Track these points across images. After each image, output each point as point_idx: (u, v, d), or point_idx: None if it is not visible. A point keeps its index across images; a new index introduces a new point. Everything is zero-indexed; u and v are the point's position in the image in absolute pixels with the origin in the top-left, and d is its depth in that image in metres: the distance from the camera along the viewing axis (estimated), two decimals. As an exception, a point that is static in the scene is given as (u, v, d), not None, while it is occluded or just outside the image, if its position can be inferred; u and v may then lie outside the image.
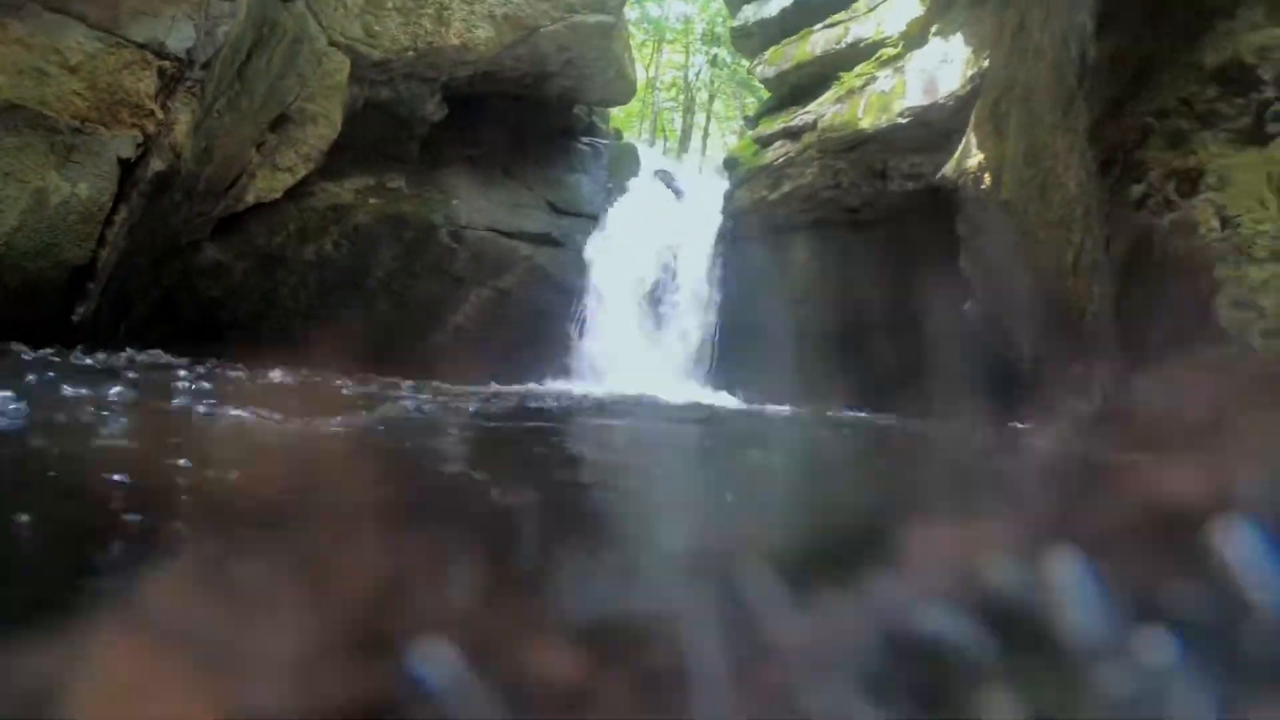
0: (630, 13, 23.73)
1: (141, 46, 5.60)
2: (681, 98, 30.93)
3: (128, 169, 5.71)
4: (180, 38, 5.73)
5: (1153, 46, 5.24)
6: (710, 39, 26.45)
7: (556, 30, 12.12)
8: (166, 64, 5.71)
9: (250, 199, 9.02)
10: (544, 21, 11.98)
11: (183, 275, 8.16)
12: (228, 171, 7.89)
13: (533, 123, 13.48)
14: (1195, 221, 4.74)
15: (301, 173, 9.60)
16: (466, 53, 11.29)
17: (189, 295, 8.95)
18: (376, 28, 10.37)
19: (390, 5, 10.54)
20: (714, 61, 27.72)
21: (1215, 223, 4.62)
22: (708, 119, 30.97)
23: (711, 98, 30.57)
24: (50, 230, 5.48)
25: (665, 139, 31.81)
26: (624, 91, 14.71)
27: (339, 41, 9.77)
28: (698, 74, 29.90)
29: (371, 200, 11.20)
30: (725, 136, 28.97)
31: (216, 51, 6.19)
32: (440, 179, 12.11)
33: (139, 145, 5.69)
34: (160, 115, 5.74)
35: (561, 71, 12.85)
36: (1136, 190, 5.25)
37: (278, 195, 9.50)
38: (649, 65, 29.16)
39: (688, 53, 29.33)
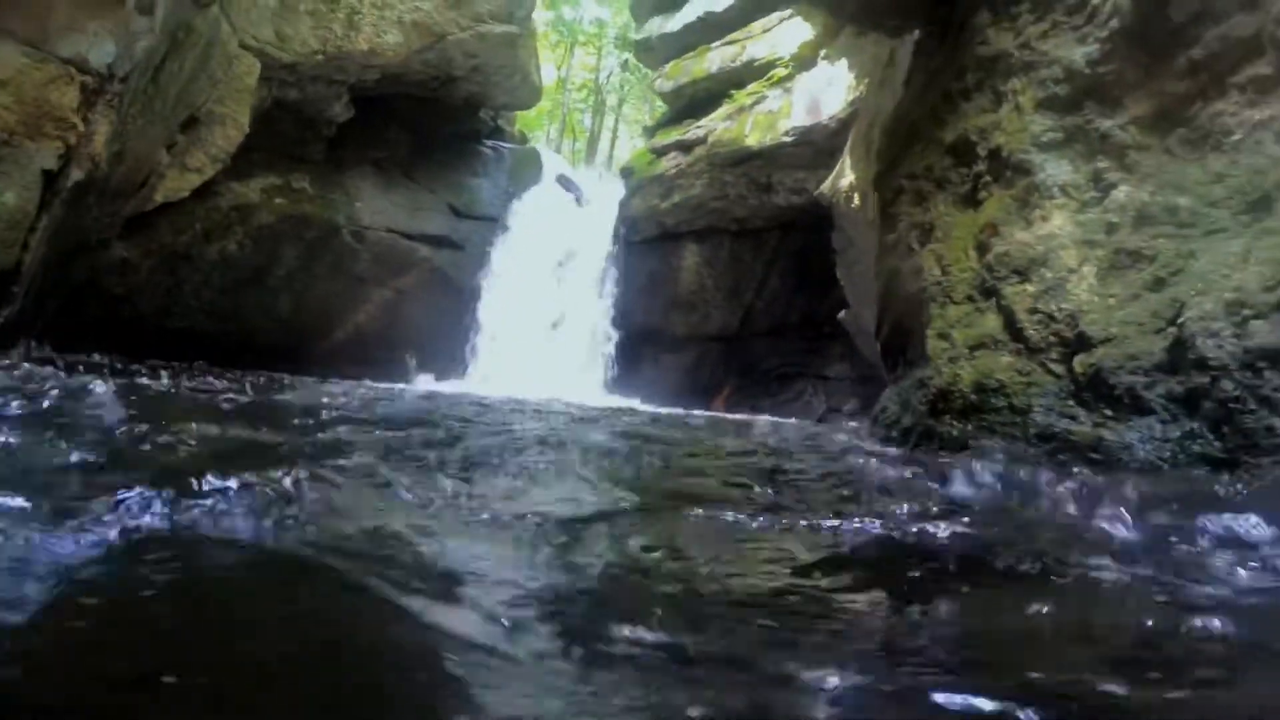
0: (544, 13, 24.01)
1: (66, 62, 5.90)
2: (592, 100, 31.27)
3: (50, 178, 6.03)
4: (102, 53, 6.04)
5: (918, 118, 6.22)
6: (623, 44, 26.79)
7: (464, 38, 12.43)
8: (89, 79, 6.01)
9: (158, 198, 9.22)
10: (452, 30, 12.29)
11: (90, 273, 8.37)
12: (138, 172, 8.13)
13: (438, 126, 13.75)
14: (923, 267, 5.67)
15: (209, 173, 9.82)
16: (375, 57, 11.55)
17: (95, 293, 9.13)
18: (288, 31, 10.59)
19: (302, 9, 10.76)
20: (626, 66, 28.03)
21: (936, 270, 5.54)
22: (616, 122, 31.36)
23: (621, 102, 30.93)
24: None
25: (574, 140, 32.15)
26: (529, 97, 15.05)
27: (250, 45, 9.98)
28: (609, 77, 30.24)
29: (276, 200, 11.43)
30: (634, 139, 28.94)
31: (135, 65, 6.51)
32: (344, 180, 12.37)
33: (60, 156, 6.00)
34: (81, 128, 6.04)
35: (468, 76, 13.12)
36: (890, 238, 6.27)
37: (185, 195, 9.69)
38: (561, 65, 29.44)
39: (600, 55, 29.64)
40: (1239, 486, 3.28)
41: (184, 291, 10.66)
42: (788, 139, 11.99)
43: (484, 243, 13.76)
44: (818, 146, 11.60)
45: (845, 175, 9.73)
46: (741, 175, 12.75)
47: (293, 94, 11.33)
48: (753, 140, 12.42)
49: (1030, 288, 4.71)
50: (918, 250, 5.86)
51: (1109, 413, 4.10)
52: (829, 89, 11.71)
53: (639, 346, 13.96)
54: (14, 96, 5.70)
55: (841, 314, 10.60)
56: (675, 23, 15.26)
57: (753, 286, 13.78)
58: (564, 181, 15.95)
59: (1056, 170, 4.72)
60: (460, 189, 13.86)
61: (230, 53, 9.55)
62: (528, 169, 15.57)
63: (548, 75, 22.13)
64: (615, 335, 13.94)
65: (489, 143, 15.08)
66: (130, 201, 8.44)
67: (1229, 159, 3.93)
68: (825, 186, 10.19)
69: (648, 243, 14.05)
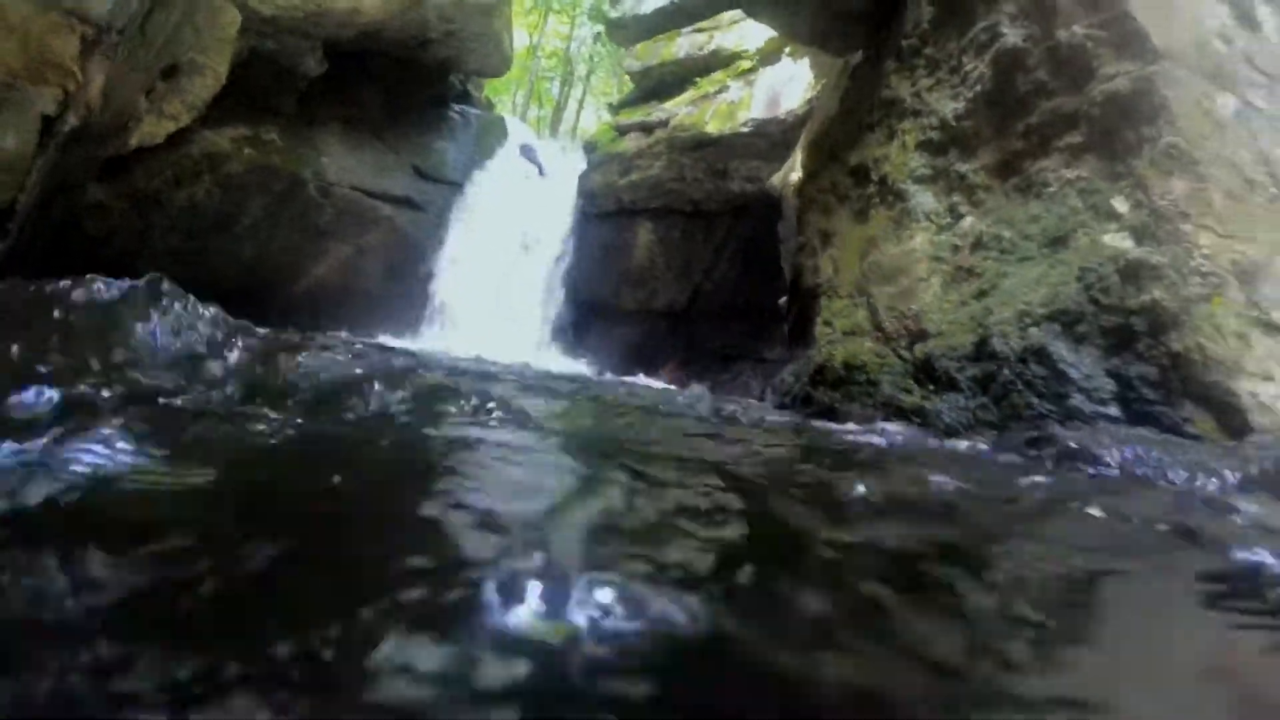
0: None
1: (68, 12, 6.21)
2: (562, 69, 31.43)
3: (48, 123, 6.36)
4: (102, 5, 6.37)
5: (836, 140, 7.37)
6: (597, 15, 26.93)
7: (443, 4, 12.69)
8: (88, 29, 6.32)
9: (134, 143, 9.47)
10: (433, -5, 12.61)
11: (68, 213, 8.66)
12: (120, 118, 8.40)
13: (408, 87, 14.03)
14: (821, 267, 7.03)
15: (185, 121, 10.05)
16: (357, 15, 11.77)
17: (72, 232, 9.41)
18: (270, -16, 10.88)
19: (287, -37, 11.05)
20: (598, 38, 28.18)
21: (830, 270, 6.87)
22: (584, 93, 31.55)
23: (590, 73, 31.11)
24: None
25: (540, 107, 32.33)
26: (499, 65, 15.34)
27: (233, -3, 10.27)
28: (580, 47, 30.38)
29: (246, 150, 11.70)
30: (599, 111, 29.37)
31: (131, 17, 6.84)
32: (313, 135, 12.65)
33: (60, 103, 6.33)
34: (80, 76, 6.36)
35: (442, 41, 13.41)
36: (801, 239, 7.59)
37: (159, 141, 9.98)
38: (534, 32, 29.56)
39: (573, 25, 29.72)
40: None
41: (153, 235, 10.92)
42: (745, 129, 12.49)
43: (446, 206, 14.11)
44: (773, 139, 12.10)
45: (795, 170, 10.25)
46: (699, 160, 13.21)
47: (269, 45, 11.55)
48: (712, 127, 12.89)
49: (891, 290, 5.96)
50: (820, 252, 7.12)
51: (931, 388, 5.31)
52: (789, 85, 12.21)
53: (590, 315, 14.43)
54: (19, 43, 6.03)
55: (782, 300, 11.11)
56: (648, 5, 15.62)
57: (702, 267, 14.25)
58: (527, 151, 16.30)
59: (924, 200, 5.91)
60: (426, 151, 14.17)
61: (215, 4, 9.80)
62: (493, 136, 15.92)
63: (520, 41, 22.33)
64: (568, 303, 14.39)
65: (456, 107, 15.37)
66: (109, 145, 8.74)
67: (1044, 205, 4.99)
68: (776, 178, 10.68)
69: (604, 216, 14.48)
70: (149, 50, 8.34)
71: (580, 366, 12.22)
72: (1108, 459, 3.30)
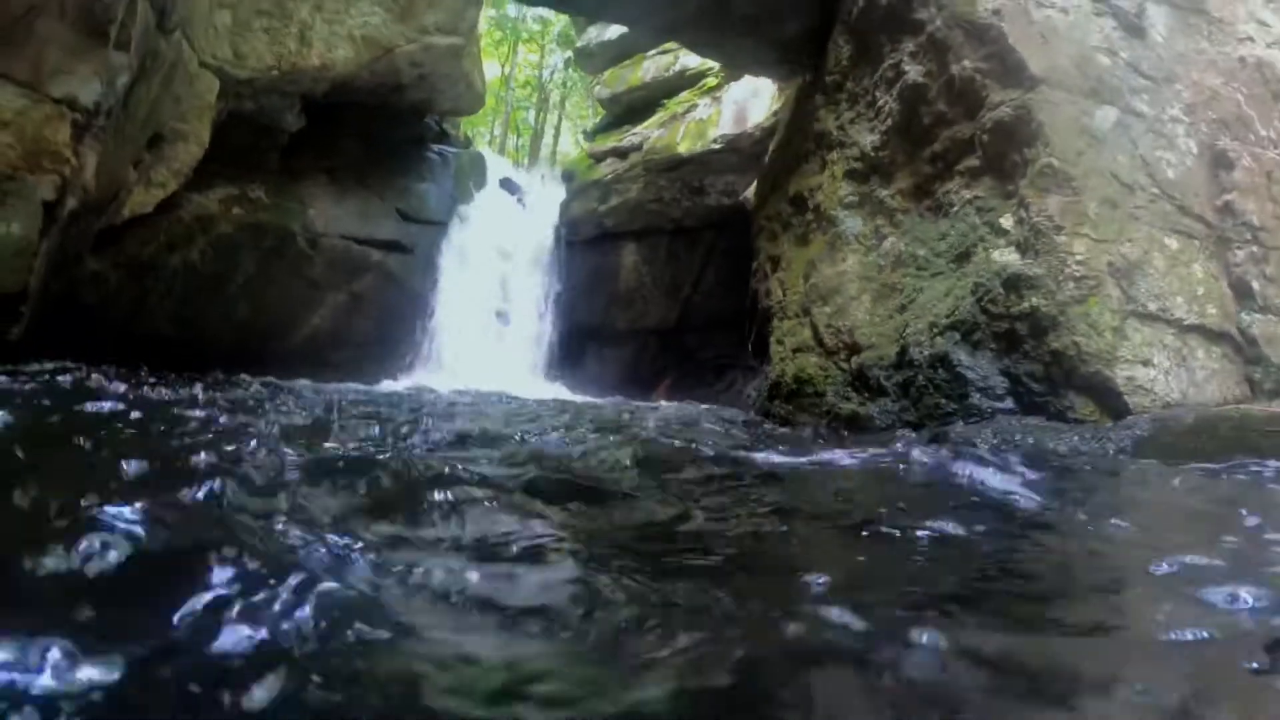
0: (488, 11, 24.45)
1: (59, 101, 6.50)
2: (535, 97, 31.79)
3: (49, 208, 6.66)
4: (90, 91, 6.65)
5: (778, 171, 8.06)
6: (566, 41, 27.19)
7: (411, 50, 12.99)
8: (79, 115, 6.62)
9: (126, 213, 9.77)
10: (399, 42, 12.87)
11: (68, 286, 8.93)
12: (111, 191, 8.69)
13: (385, 132, 14.31)
14: (771, 290, 7.65)
15: (172, 187, 10.35)
16: (327, 70, 12.09)
17: (73, 305, 9.69)
18: (244, 48, 11.14)
19: (256, 26, 11.31)
20: (568, 64, 28.48)
21: (780, 292, 7.44)
22: (560, 119, 31.89)
23: (564, 99, 31.45)
24: None
25: (518, 136, 32.67)
26: (473, 103, 15.62)
27: (209, 63, 10.52)
28: (552, 74, 30.72)
29: (235, 210, 11.97)
30: (577, 135, 29.63)
31: (118, 100, 7.15)
32: (298, 189, 12.92)
33: (58, 188, 6.62)
34: (74, 161, 6.66)
35: (414, 85, 13.68)
36: (754, 264, 8.35)
37: (150, 209, 10.27)
38: (505, 63, 29.91)
39: (543, 53, 30.07)
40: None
41: (150, 301, 11.17)
42: (717, 146, 12.83)
43: (432, 245, 14.36)
44: (745, 153, 12.43)
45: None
46: (675, 179, 13.54)
47: (248, 105, 11.84)
48: (684, 147, 13.23)
49: (829, 309, 6.54)
50: (769, 276, 7.77)
51: (866, 395, 5.86)
52: (754, 99, 12.55)
53: (582, 341, 14.70)
54: (15, 136, 6.33)
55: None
56: (612, 31, 15.99)
57: (689, 282, 14.55)
58: (508, 184, 16.59)
59: (853, 224, 6.48)
60: (408, 194, 14.41)
61: (191, 72, 10.10)
62: (473, 172, 16.15)
63: (491, 72, 22.59)
64: (558, 331, 14.67)
65: (435, 148, 15.61)
66: (103, 217, 9.03)
67: (950, 223, 5.56)
68: (749, 192, 11.03)
69: (589, 243, 14.78)
70: (133, 124, 8.64)
71: (572, 394, 12.49)
72: (980, 446, 4.05)
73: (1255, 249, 5.05)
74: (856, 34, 6.71)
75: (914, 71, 5.94)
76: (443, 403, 6.77)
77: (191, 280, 11.55)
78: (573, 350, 14.61)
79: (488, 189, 16.08)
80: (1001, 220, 5.10)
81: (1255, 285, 5.03)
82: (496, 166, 17.49)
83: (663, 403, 12.08)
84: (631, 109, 15.14)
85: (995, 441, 4.11)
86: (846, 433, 5.58)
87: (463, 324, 14.22)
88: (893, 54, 6.12)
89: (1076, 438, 4.12)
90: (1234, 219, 5.06)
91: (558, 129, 31.75)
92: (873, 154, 6.35)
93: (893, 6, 6.14)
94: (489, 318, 14.58)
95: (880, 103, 6.26)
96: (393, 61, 12.91)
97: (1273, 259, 4.97)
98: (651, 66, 14.88)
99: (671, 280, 14.54)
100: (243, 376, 9.66)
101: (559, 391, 12.70)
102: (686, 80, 14.15)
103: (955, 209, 5.48)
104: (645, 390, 13.96)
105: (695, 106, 13.42)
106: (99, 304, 10.45)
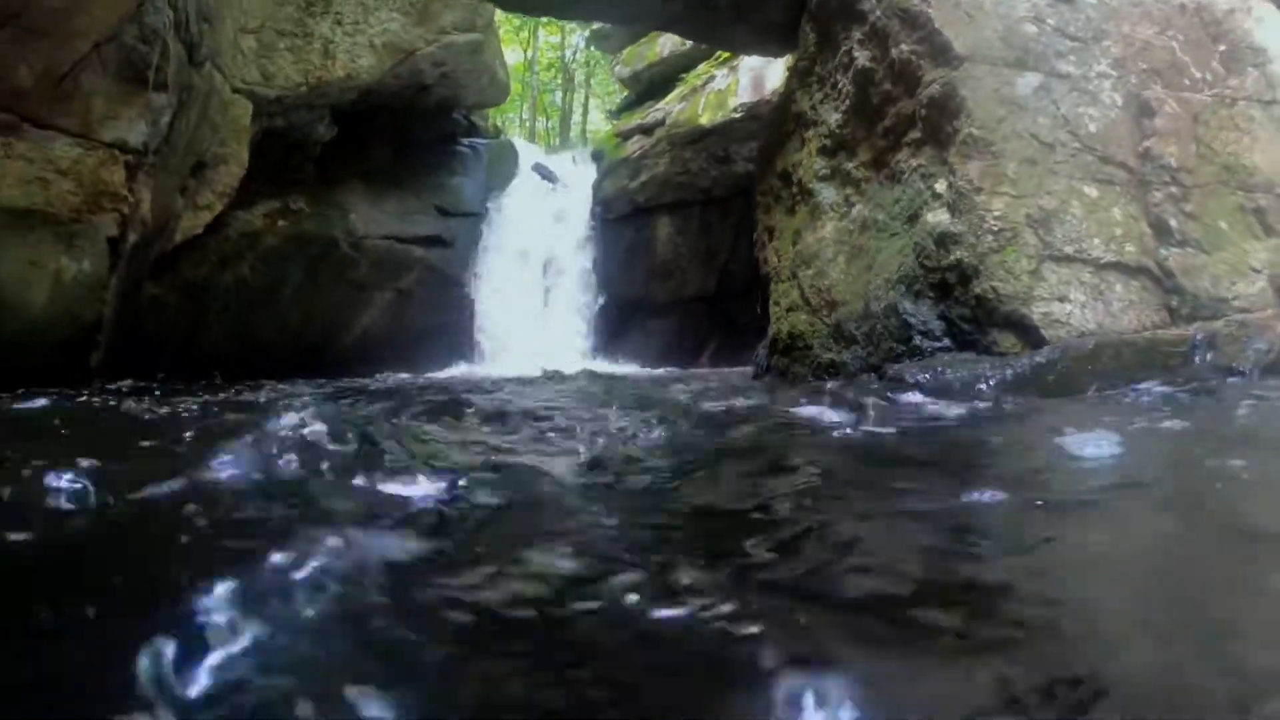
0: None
1: (110, 146, 7.00)
2: (560, 78, 32.02)
3: (113, 244, 7.17)
4: (137, 133, 7.13)
5: (770, 147, 8.63)
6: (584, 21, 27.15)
7: (432, 51, 13.35)
8: (130, 156, 7.12)
9: (178, 238, 10.31)
10: (420, 45, 13.24)
11: (131, 313, 9.45)
12: (163, 219, 9.20)
13: (415, 132, 14.70)
14: (768, 257, 8.30)
15: (218, 208, 10.84)
16: (352, 80, 12.50)
17: (137, 330, 10.19)
18: (271, 69, 11.58)
19: (281, 46, 11.74)
20: (589, 43, 28.55)
21: (775, 259, 8.11)
22: (586, 97, 32.10)
23: (589, 77, 31.64)
24: (70, 301, 7.00)
25: (547, 118, 32.95)
26: (497, 94, 15.98)
27: (240, 88, 10.97)
28: (574, 54, 30.92)
29: (279, 223, 12.44)
30: (606, 111, 29.66)
31: (162, 136, 7.61)
32: (337, 196, 13.37)
33: (119, 225, 7.13)
34: (130, 198, 7.16)
35: (438, 83, 14.04)
36: (755, 235, 8.90)
37: (199, 231, 10.78)
38: (526, 48, 30.15)
39: (563, 34, 30.26)
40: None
41: (207, 318, 11.69)
42: (737, 115, 13.07)
43: (472, 236, 14.76)
44: (765, 119, 12.61)
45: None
46: (700, 151, 13.79)
47: (279, 122, 12.28)
48: (706, 119, 13.49)
49: (811, 271, 7.27)
50: (767, 245, 8.40)
51: (842, 345, 6.60)
52: (770, 67, 12.75)
53: (625, 315, 15.02)
54: (76, 182, 6.83)
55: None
56: (626, 10, 16.18)
57: (725, 250, 14.78)
58: (540, 169, 16.92)
59: (828, 195, 7.20)
60: (444, 189, 14.79)
61: (225, 99, 10.54)
62: (505, 161, 16.52)
63: (514, 58, 22.84)
64: (601, 307, 15.02)
65: (466, 141, 15.98)
66: (157, 244, 9.53)
67: (902, 189, 6.23)
68: (773, 158, 11.28)
69: (623, 219, 15.06)
70: (176, 155, 9.11)
71: (610, 366, 12.83)
72: (912, 380, 4.99)
73: (1174, 189, 5.57)
74: (819, 22, 7.46)
75: (862, 57, 6.73)
76: (507, 387, 7.26)
77: (244, 294, 12.04)
78: (617, 325, 14.92)
79: (520, 176, 16.42)
80: (936, 185, 5.81)
81: (1173, 223, 5.53)
82: (527, 153, 17.81)
83: (705, 369, 12.38)
84: (652, 85, 15.39)
85: (925, 376, 5.03)
86: (827, 378, 6.49)
87: (507, 309, 14.61)
88: (845, 41, 6.92)
89: (986, 365, 4.99)
90: (1153, 163, 5.57)
91: (585, 106, 31.93)
92: (838, 131, 7.11)
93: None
94: (532, 301, 14.94)
95: (840, 85, 7.06)
96: (415, 64, 13.28)
97: (1193, 197, 5.48)
98: (668, 42, 15.10)
99: (707, 249, 14.79)
100: (298, 381, 10.09)
101: (606, 366, 13.02)
102: (703, 52, 14.34)
103: (905, 176, 6.21)
104: (691, 358, 14.26)
105: (713, 78, 13.65)
106: (160, 327, 10.94)
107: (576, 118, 31.73)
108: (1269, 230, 5.56)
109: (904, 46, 6.20)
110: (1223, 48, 6.03)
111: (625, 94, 17.73)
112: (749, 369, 9.31)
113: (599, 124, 28.72)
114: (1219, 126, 5.78)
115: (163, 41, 7.49)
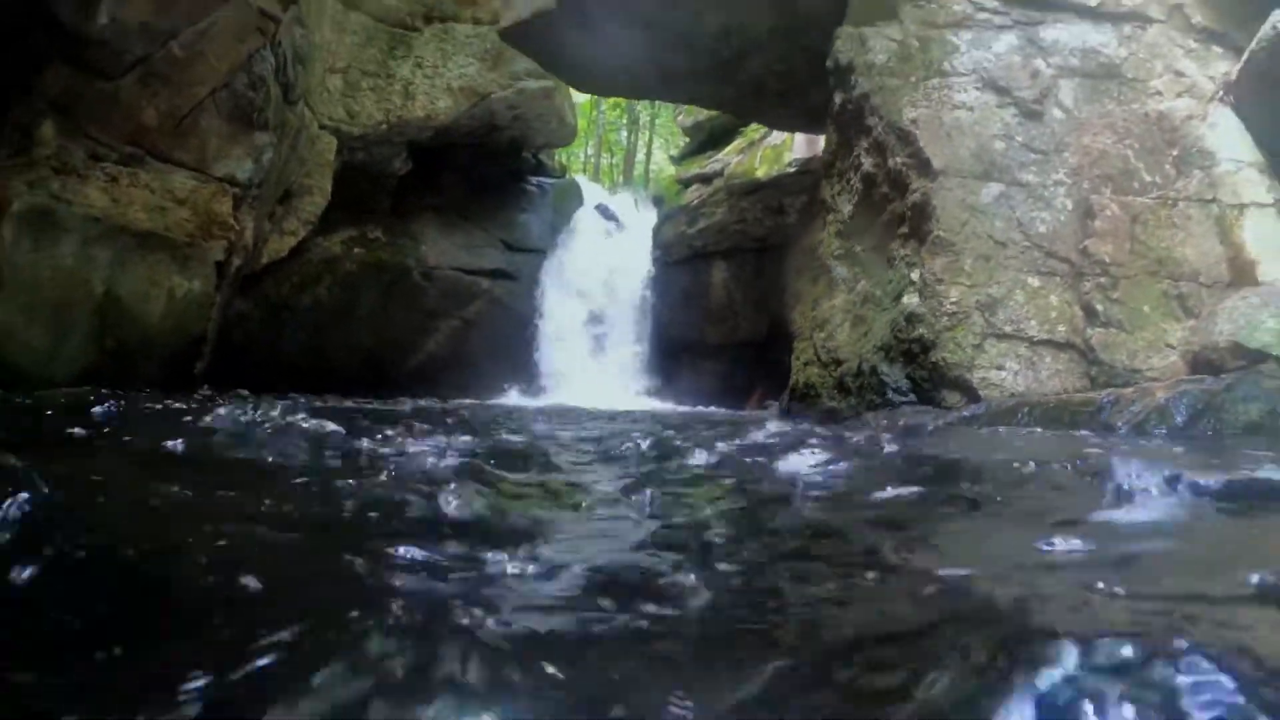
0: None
1: (221, 180, 7.82)
2: (625, 118, 32.79)
3: (219, 267, 7.98)
4: (244, 170, 7.96)
5: (804, 225, 8.98)
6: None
7: (505, 95, 14.10)
8: (237, 190, 7.94)
9: (264, 260, 11.13)
10: (494, 89, 13.98)
11: (220, 327, 10.27)
12: (253, 243, 10.04)
13: (486, 169, 15.39)
14: (795, 319, 10.29)
15: (302, 234, 11.65)
16: (430, 120, 13.26)
17: (224, 343, 11.00)
18: (355, 108, 12.41)
19: (365, 87, 12.57)
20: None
21: (800, 320, 10.08)
22: (650, 137, 32.77)
23: (653, 118, 32.36)
24: (181, 315, 7.86)
25: (611, 155, 33.73)
26: (565, 136, 16.63)
27: (326, 124, 11.80)
28: (639, 94, 31.65)
29: (356, 250, 13.25)
30: (669, 150, 30.38)
31: (264, 172, 8.42)
32: (410, 227, 14.15)
33: (226, 250, 7.94)
34: (236, 227, 7.97)
35: (510, 125, 14.75)
36: (785, 297, 11.43)
37: (284, 254, 11.59)
38: (593, 88, 30.95)
39: (629, 72, 30.91)
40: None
41: (285, 335, 12.48)
42: (790, 169, 13.64)
43: (535, 271, 15.43)
44: (818, 175, 13.20)
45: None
46: (756, 201, 14.37)
47: (360, 156, 13.07)
48: (761, 171, 14.13)
49: (823, 334, 8.33)
50: (794, 309, 9.77)
51: (842, 396, 7.58)
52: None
53: (677, 355, 15.53)
54: (191, 210, 7.66)
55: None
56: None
57: (776, 297, 15.26)
58: (603, 210, 17.53)
59: (840, 271, 8.25)
60: (511, 225, 15.50)
61: (312, 135, 11.37)
62: (569, 200, 17.20)
63: (581, 96, 23.61)
64: (654, 347, 15.58)
65: (533, 179, 16.67)
66: (247, 266, 10.33)
67: (893, 273, 7.39)
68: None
69: (680, 263, 15.60)
70: (269, 185, 9.92)
71: (659, 405, 13.36)
72: (871, 425, 6.25)
73: (1103, 279, 6.72)
74: (839, 126, 8.63)
75: (868, 162, 7.97)
76: (565, 416, 8.09)
77: (320, 314, 12.83)
78: (669, 364, 15.42)
79: (584, 215, 17.07)
80: (913, 274, 7.05)
81: (1099, 307, 6.64)
82: (591, 192, 18.44)
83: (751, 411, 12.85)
84: (713, 134, 16.00)
85: (884, 421, 6.44)
86: (830, 421, 7.47)
87: (565, 343, 15.23)
88: (857, 146, 8.20)
89: (929, 416, 6.27)
90: (1090, 258, 6.75)
91: (649, 146, 32.60)
92: (849, 220, 8.32)
93: (854, 112, 8.08)
94: (590, 336, 15.53)
95: (852, 181, 8.30)
96: (489, 106, 14.03)
97: (1121, 285, 6.65)
98: (730, 95, 15.83)
99: (760, 296, 15.25)
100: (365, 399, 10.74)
101: (655, 405, 13.55)
102: (763, 106, 15.06)
103: (895, 263, 7.43)
104: (740, 400, 14.72)
105: (770, 133, 14.26)
106: (244, 342, 11.73)
107: (640, 155, 32.45)
108: (1189, 313, 6.62)
109: (898, 159, 7.47)
110: (1175, 152, 7.12)
111: (687, 140, 18.37)
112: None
113: (661, 163, 29.39)
114: (1157, 225, 6.90)
115: (267, 86, 8.29)
